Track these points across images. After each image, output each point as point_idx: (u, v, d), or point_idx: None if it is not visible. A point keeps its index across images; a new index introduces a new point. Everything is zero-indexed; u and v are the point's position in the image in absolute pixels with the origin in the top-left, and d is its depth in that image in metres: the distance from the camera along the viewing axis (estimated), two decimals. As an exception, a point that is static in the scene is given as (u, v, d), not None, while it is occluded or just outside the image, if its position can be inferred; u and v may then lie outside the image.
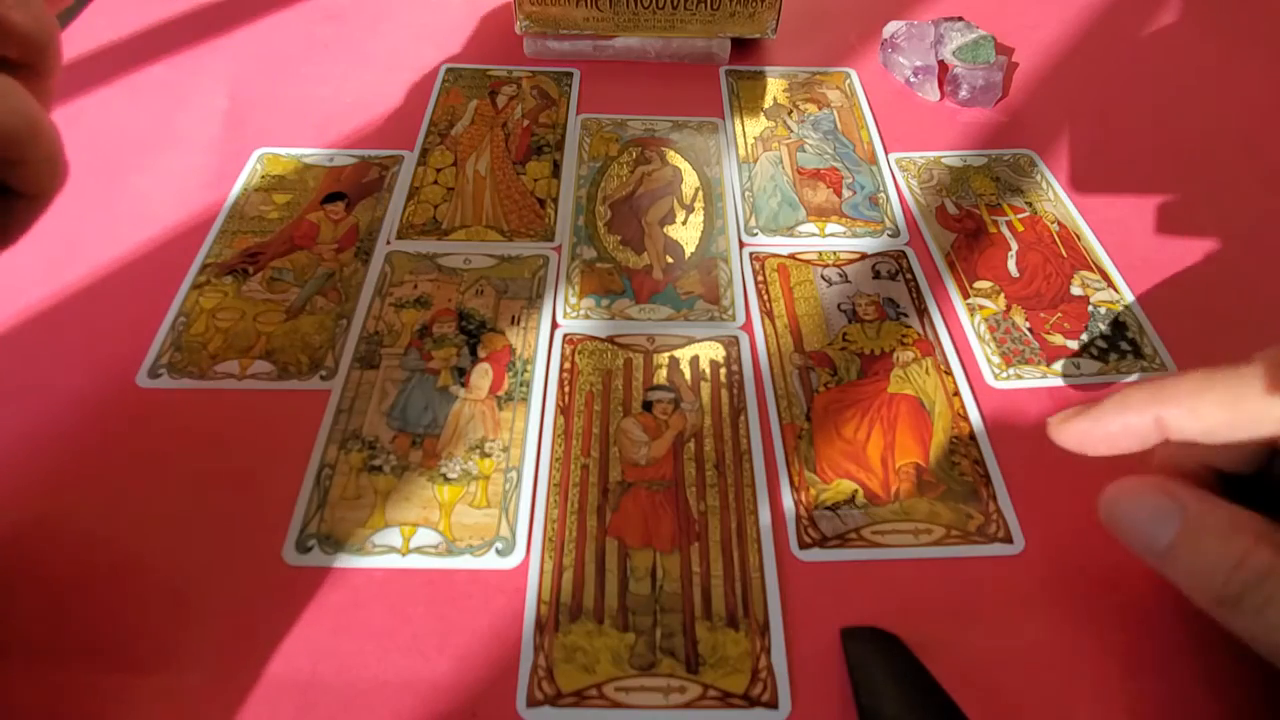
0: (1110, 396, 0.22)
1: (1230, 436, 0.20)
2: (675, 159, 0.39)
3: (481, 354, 0.30)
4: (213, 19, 0.47)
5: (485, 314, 0.31)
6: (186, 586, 0.24)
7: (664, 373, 0.30)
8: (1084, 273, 0.34)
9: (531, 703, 0.22)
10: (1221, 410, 0.20)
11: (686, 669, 0.22)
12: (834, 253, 0.34)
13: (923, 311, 0.32)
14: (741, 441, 0.28)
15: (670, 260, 0.34)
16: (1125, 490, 0.21)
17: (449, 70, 0.44)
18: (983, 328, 0.32)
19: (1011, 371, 0.30)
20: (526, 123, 0.40)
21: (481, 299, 0.32)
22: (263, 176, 0.37)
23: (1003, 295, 0.33)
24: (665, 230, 0.35)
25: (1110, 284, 0.33)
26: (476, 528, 0.25)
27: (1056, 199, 0.37)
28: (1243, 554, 0.19)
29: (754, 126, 0.41)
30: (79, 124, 0.39)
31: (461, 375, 0.29)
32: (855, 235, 0.35)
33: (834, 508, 0.26)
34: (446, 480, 0.26)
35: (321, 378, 0.29)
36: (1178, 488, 0.20)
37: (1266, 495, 0.21)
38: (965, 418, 0.29)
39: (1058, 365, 0.30)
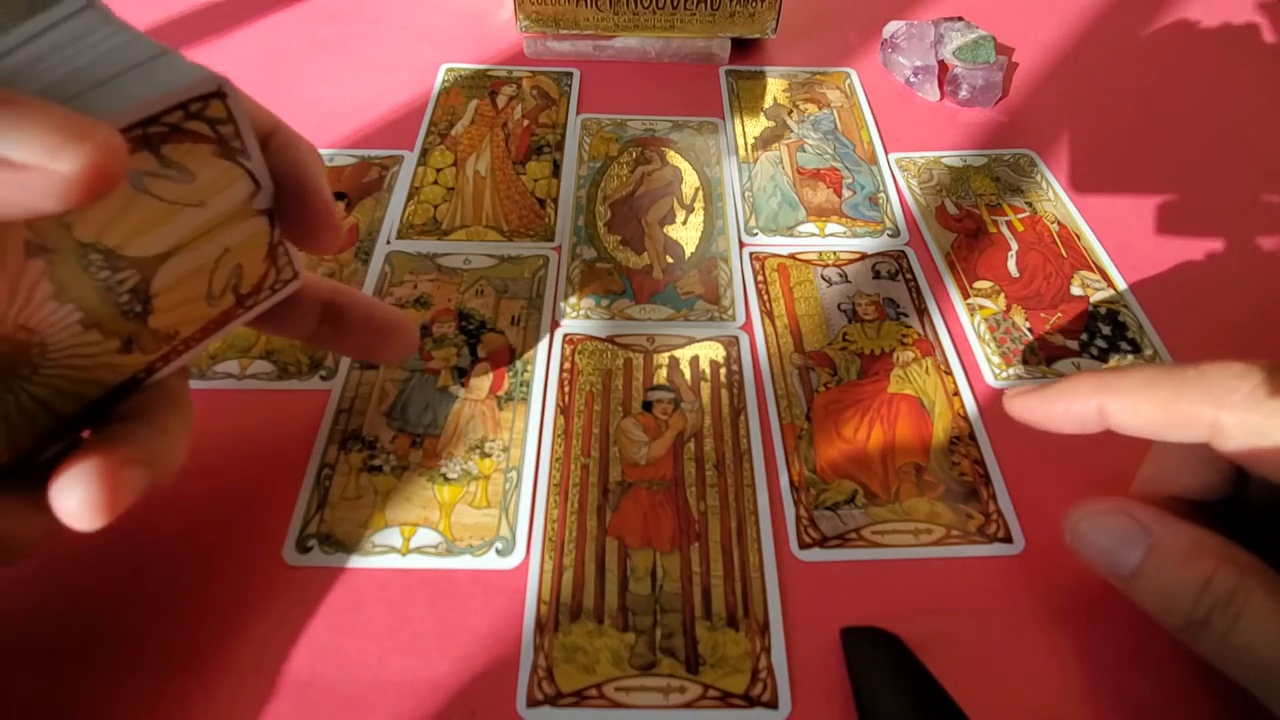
0: (1065, 378, 0.22)
1: (1165, 435, 0.20)
2: (675, 159, 0.39)
3: (481, 354, 0.30)
4: (213, 19, 0.47)
5: (485, 314, 0.31)
6: (186, 586, 0.24)
7: (664, 373, 0.30)
8: (1084, 273, 0.34)
9: (531, 703, 0.22)
10: (1158, 409, 0.20)
11: (686, 669, 0.22)
12: (834, 253, 0.34)
13: (923, 311, 0.32)
14: (741, 441, 0.28)
15: (670, 260, 0.34)
16: (1089, 513, 0.22)
17: (449, 70, 0.44)
18: (983, 328, 0.32)
19: (1011, 371, 0.30)
20: (526, 123, 0.40)
21: (481, 299, 0.32)
22: (263, 176, 0.37)
23: (1003, 295, 0.33)
24: (665, 230, 0.35)
25: (1110, 284, 0.33)
26: (476, 528, 0.25)
27: (1056, 199, 0.37)
28: (1209, 576, 0.19)
29: (754, 126, 0.41)
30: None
31: (461, 375, 0.29)
32: (855, 235, 0.35)
33: (834, 508, 0.26)
34: (446, 480, 0.26)
35: (321, 378, 0.29)
36: (1141, 510, 0.21)
37: (1235, 525, 0.22)
38: (965, 418, 0.29)
39: (1058, 365, 0.30)
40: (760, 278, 0.33)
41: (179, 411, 0.21)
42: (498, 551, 0.25)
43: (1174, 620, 0.20)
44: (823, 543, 0.25)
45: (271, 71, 0.43)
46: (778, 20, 0.43)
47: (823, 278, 0.33)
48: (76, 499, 0.17)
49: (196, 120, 0.17)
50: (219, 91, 0.17)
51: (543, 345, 0.30)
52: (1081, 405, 0.21)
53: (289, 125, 0.22)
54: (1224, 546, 0.19)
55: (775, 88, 0.43)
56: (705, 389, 0.29)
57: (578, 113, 0.41)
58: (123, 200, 0.17)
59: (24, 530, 0.18)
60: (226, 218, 0.19)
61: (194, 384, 0.29)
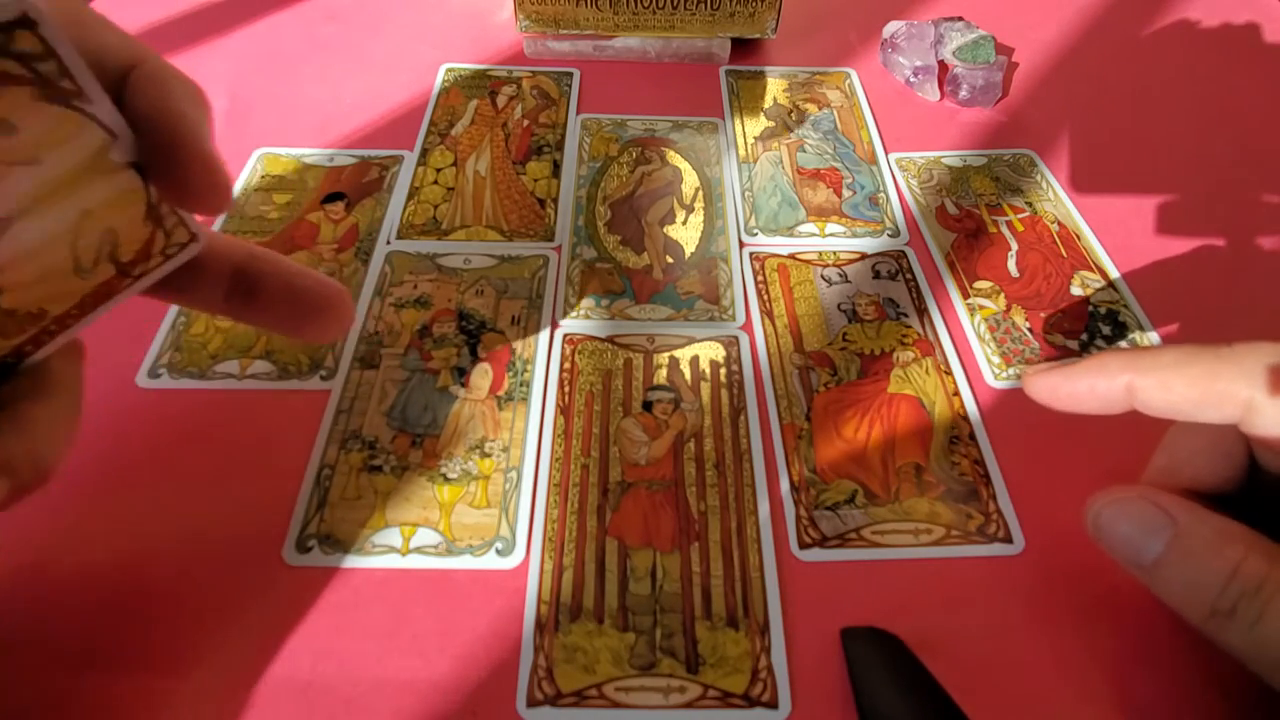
0: (1090, 357, 0.22)
1: (1195, 415, 0.20)
2: (675, 159, 0.39)
3: (481, 354, 0.30)
4: (213, 19, 0.47)
5: (485, 314, 0.31)
6: (186, 586, 0.24)
7: (664, 373, 0.30)
8: (1084, 273, 0.34)
9: (531, 703, 0.22)
10: (1192, 387, 0.19)
11: (686, 669, 0.22)
12: (834, 253, 0.34)
13: (923, 311, 0.32)
14: (741, 441, 0.28)
15: (670, 260, 0.34)
16: (1111, 501, 0.21)
17: (449, 70, 0.44)
18: (983, 328, 0.32)
19: (1011, 371, 0.30)
20: (526, 123, 0.40)
21: (481, 299, 0.32)
22: (263, 176, 0.37)
23: (1003, 295, 0.33)
24: (665, 230, 0.35)
25: (1110, 284, 0.33)
26: (476, 528, 0.25)
27: (1056, 199, 0.37)
28: (1236, 564, 0.18)
29: (754, 126, 0.41)
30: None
31: (461, 375, 0.29)
32: (855, 235, 0.35)
33: (834, 508, 0.26)
34: (446, 480, 0.26)
35: (321, 378, 0.29)
36: (1166, 498, 0.20)
37: (1247, 517, 0.21)
38: (965, 418, 0.29)
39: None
40: (760, 278, 0.33)
41: (56, 403, 0.18)
42: (498, 551, 0.25)
43: (1197, 610, 0.19)
44: (823, 543, 0.25)
45: (271, 71, 0.43)
46: (778, 20, 0.43)
47: (823, 278, 0.33)
48: None
49: (1, 58, 0.14)
50: (23, 19, 0.14)
51: (543, 345, 0.30)
52: (1108, 383, 0.21)
53: (160, 57, 0.18)
54: (1250, 535, 0.19)
55: (775, 88, 0.43)
56: (705, 389, 0.29)
57: (578, 113, 0.41)
58: None
59: None
60: (76, 175, 0.16)
61: (194, 384, 0.29)
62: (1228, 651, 0.19)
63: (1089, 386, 0.21)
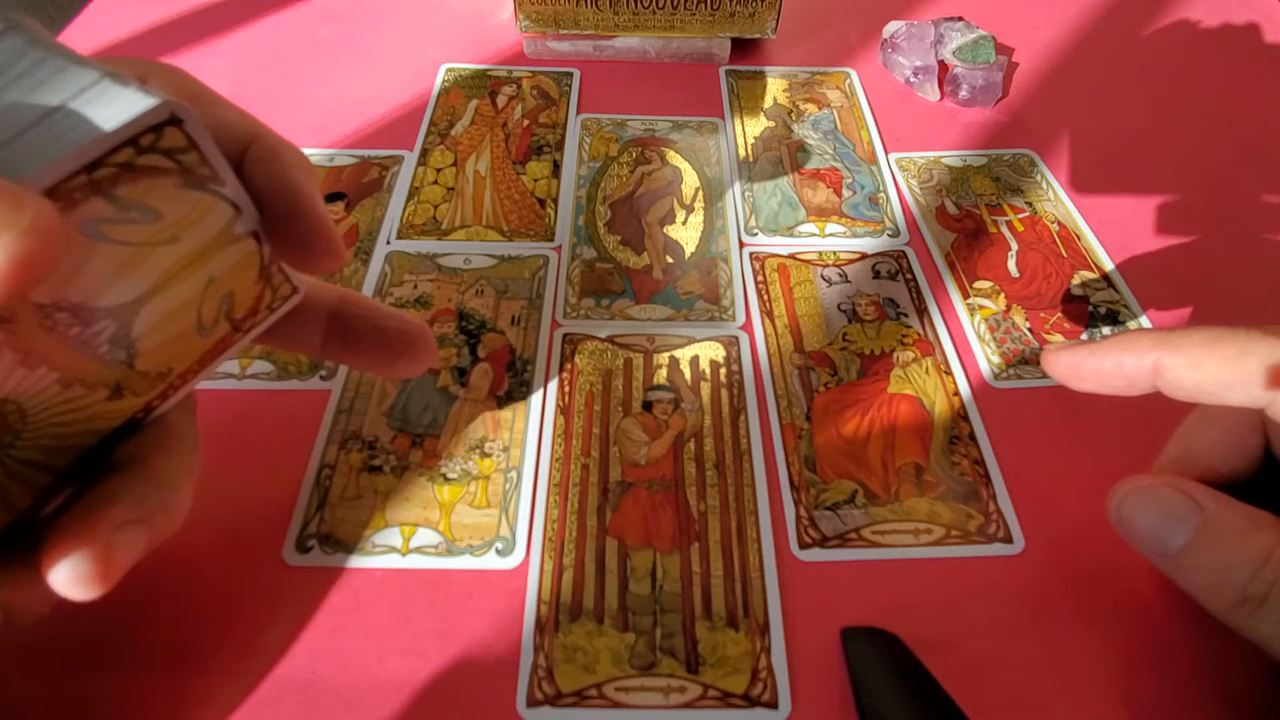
0: (1118, 334, 0.21)
1: (1222, 396, 0.19)
2: (675, 159, 0.39)
3: (481, 354, 0.30)
4: (213, 19, 0.47)
5: (485, 314, 0.31)
6: (186, 586, 0.24)
7: (664, 373, 0.30)
8: (1084, 273, 0.34)
9: (531, 703, 0.22)
10: (1223, 367, 0.19)
11: (686, 669, 0.22)
12: (834, 253, 0.34)
13: (923, 311, 0.32)
14: (741, 441, 0.28)
15: (670, 260, 0.34)
16: (1135, 489, 0.21)
17: (449, 70, 0.44)
18: (983, 328, 0.32)
19: (1011, 371, 0.30)
20: (526, 123, 0.40)
21: (481, 299, 0.32)
22: (263, 176, 0.37)
23: (1003, 295, 0.33)
24: (665, 230, 0.35)
25: (1110, 284, 0.33)
26: (476, 528, 0.25)
27: (1056, 199, 0.37)
28: (1269, 550, 0.18)
29: (754, 126, 0.41)
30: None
31: (461, 375, 0.29)
32: (855, 235, 0.35)
33: (834, 508, 0.26)
34: (446, 480, 0.26)
35: (321, 378, 0.29)
36: (1192, 486, 0.20)
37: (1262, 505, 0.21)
38: (965, 418, 0.29)
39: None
40: (760, 278, 0.33)
41: (181, 454, 0.19)
42: (498, 551, 0.25)
43: (1226, 598, 0.19)
44: (823, 543, 0.25)
45: (271, 71, 0.43)
46: (778, 20, 0.43)
47: (823, 278, 0.33)
48: (67, 573, 0.16)
49: (151, 154, 0.15)
50: (173, 118, 0.15)
51: (543, 345, 0.30)
52: (1135, 360, 0.20)
53: (273, 131, 0.19)
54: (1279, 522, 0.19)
55: (775, 88, 0.43)
56: (705, 389, 0.29)
57: (578, 113, 0.41)
58: (80, 254, 0.15)
59: (26, 599, 0.17)
60: (206, 249, 0.17)
61: (194, 384, 0.29)
62: (1255, 640, 0.19)
63: (1115, 363, 0.21)
